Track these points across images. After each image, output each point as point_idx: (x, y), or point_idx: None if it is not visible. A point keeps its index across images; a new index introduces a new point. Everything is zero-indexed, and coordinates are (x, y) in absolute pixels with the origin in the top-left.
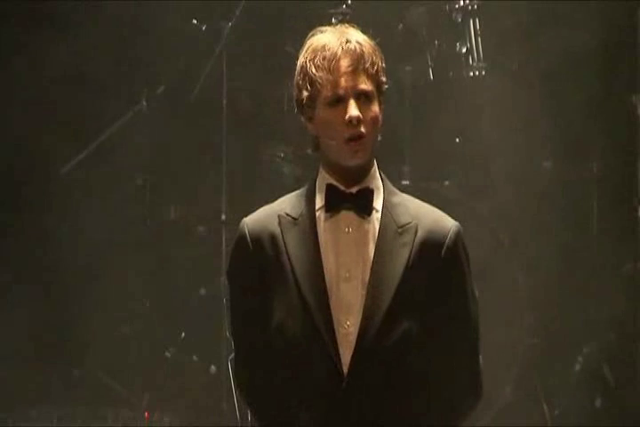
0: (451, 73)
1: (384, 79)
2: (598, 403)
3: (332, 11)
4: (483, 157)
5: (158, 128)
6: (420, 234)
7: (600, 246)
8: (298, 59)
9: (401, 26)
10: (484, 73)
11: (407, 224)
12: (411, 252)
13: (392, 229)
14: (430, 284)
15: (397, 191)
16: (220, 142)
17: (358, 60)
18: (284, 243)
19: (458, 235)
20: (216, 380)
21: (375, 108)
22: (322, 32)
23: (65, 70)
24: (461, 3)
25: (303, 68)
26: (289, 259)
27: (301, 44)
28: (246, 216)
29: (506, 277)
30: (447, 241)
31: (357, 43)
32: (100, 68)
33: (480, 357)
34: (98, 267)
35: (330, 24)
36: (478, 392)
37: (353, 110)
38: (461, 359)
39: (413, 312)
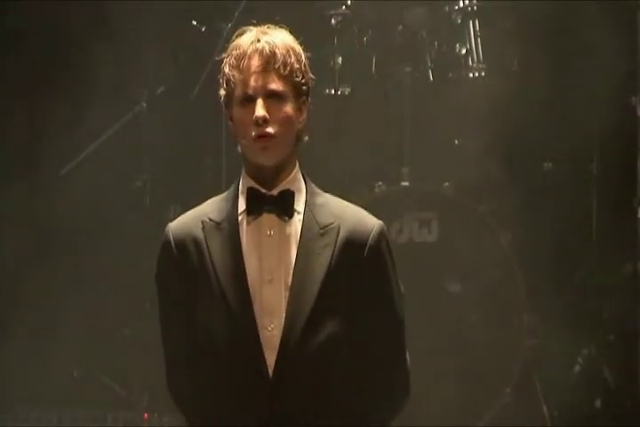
0: (450, 74)
1: (301, 80)
2: (598, 403)
3: (332, 12)
4: (482, 158)
5: (158, 128)
6: (342, 234)
7: (600, 246)
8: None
9: (401, 27)
10: (483, 74)
11: (329, 225)
12: (333, 252)
13: (314, 230)
14: (354, 284)
15: (321, 192)
16: (220, 142)
17: (268, 60)
18: (208, 248)
19: (381, 234)
20: None
21: (287, 108)
22: (245, 32)
23: (65, 70)
24: (461, 4)
25: (221, 67)
26: (212, 264)
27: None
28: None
29: (506, 277)
30: (369, 240)
31: (268, 43)
32: (100, 68)
33: (407, 354)
34: (98, 267)
35: (270, 25)
36: (407, 390)
37: (259, 110)
38: (388, 358)
39: (337, 313)
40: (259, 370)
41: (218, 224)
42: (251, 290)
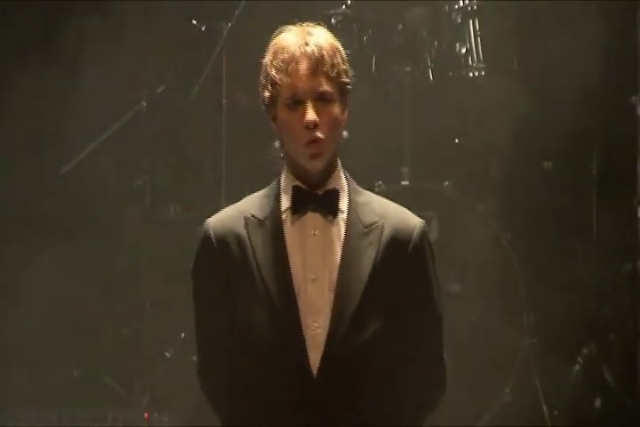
0: (450, 73)
1: (346, 80)
2: (598, 403)
3: (332, 11)
4: (482, 158)
5: (158, 128)
6: (386, 233)
7: (600, 246)
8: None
9: (401, 26)
10: (483, 73)
11: (373, 223)
12: (377, 251)
13: (358, 229)
14: (397, 282)
15: (363, 191)
16: (220, 142)
17: (317, 63)
18: (251, 245)
19: (423, 232)
20: None
21: (335, 110)
22: (286, 32)
23: (65, 70)
24: (461, 3)
25: (265, 68)
26: (256, 261)
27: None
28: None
29: (506, 276)
30: (413, 238)
31: (316, 45)
32: (99, 67)
33: (444, 352)
34: (98, 266)
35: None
36: (443, 387)
37: (310, 114)
38: (428, 356)
39: (381, 312)
40: (302, 369)
41: (261, 221)
42: (295, 289)
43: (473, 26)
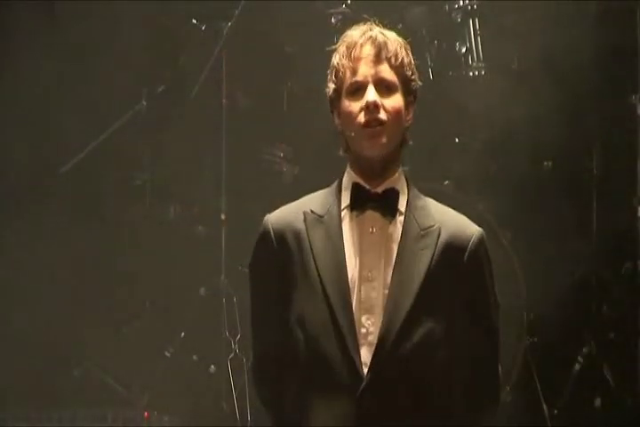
0: (450, 73)
1: (411, 75)
2: (598, 402)
3: (332, 10)
4: (482, 157)
5: (158, 128)
6: (442, 237)
7: (600, 246)
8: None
9: (400, 26)
10: (483, 73)
11: (430, 227)
12: (433, 255)
13: (415, 231)
14: (451, 288)
15: (421, 195)
16: (220, 142)
17: (380, 48)
18: (309, 240)
19: (481, 241)
20: (216, 380)
21: (397, 99)
22: (354, 28)
23: (65, 70)
24: (461, 2)
25: (332, 62)
26: (313, 256)
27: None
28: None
29: (506, 276)
30: (470, 246)
31: (381, 32)
32: (99, 67)
33: (499, 364)
34: (97, 266)
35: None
36: (495, 399)
37: (370, 95)
38: (481, 366)
39: (434, 315)
40: (353, 366)
41: (320, 217)
42: (350, 285)
43: (473, 25)
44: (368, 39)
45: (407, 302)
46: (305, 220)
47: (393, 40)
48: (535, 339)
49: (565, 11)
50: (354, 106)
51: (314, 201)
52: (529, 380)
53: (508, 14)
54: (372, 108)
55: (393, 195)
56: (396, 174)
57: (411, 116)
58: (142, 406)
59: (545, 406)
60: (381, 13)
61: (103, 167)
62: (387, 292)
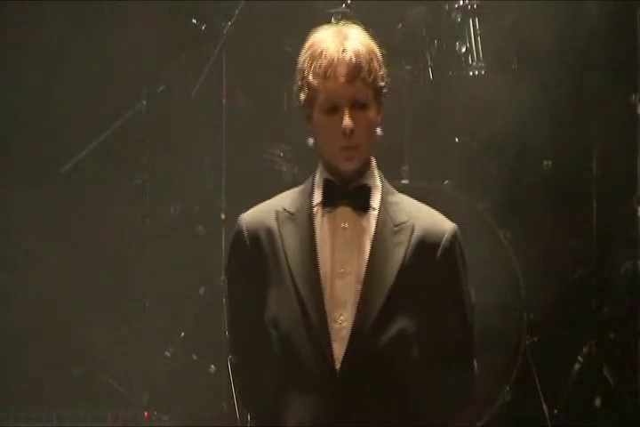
0: (450, 72)
1: (383, 84)
2: (598, 402)
3: (332, 10)
4: (482, 157)
5: (158, 127)
6: (416, 233)
7: (600, 246)
8: (299, 56)
9: (400, 25)
10: (483, 72)
11: (404, 223)
12: (406, 250)
13: (388, 226)
14: (425, 284)
15: (395, 191)
16: (220, 142)
17: (354, 69)
18: (281, 237)
19: (455, 236)
20: (216, 380)
21: (371, 114)
22: (322, 33)
23: (65, 69)
24: (461, 2)
25: (301, 71)
26: (285, 253)
27: (301, 44)
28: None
29: (506, 276)
30: (443, 242)
31: (354, 52)
32: (100, 67)
33: (474, 359)
34: (97, 266)
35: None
36: (471, 392)
37: (347, 121)
38: (454, 361)
39: (407, 311)
40: (326, 362)
41: (292, 214)
42: (322, 281)
43: (473, 25)
44: (342, 60)
45: (380, 298)
46: (277, 218)
47: (366, 54)
48: (535, 339)
49: (565, 11)
50: (329, 125)
51: (286, 199)
52: (529, 380)
53: (508, 14)
54: (347, 133)
55: (365, 191)
56: (369, 170)
57: (381, 114)
58: (142, 406)
59: (545, 406)
60: (381, 13)
61: (103, 167)
62: (360, 287)
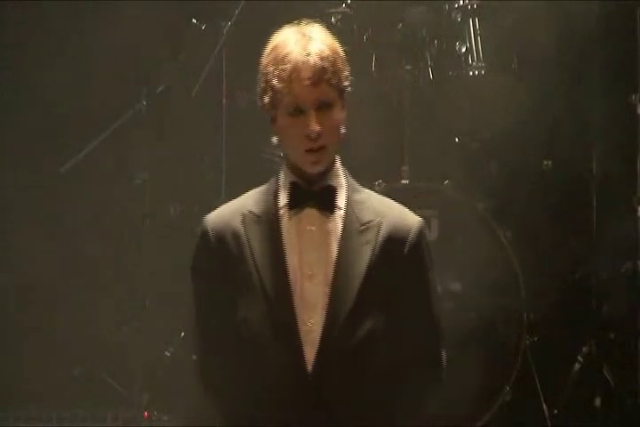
0: (450, 72)
1: (347, 84)
2: (598, 402)
3: (332, 10)
4: (482, 157)
5: (158, 127)
6: (383, 231)
7: (600, 246)
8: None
9: (400, 25)
10: (483, 72)
11: (370, 222)
12: (374, 249)
13: (355, 226)
14: (393, 281)
15: (362, 189)
16: (221, 142)
17: (320, 72)
18: (248, 240)
19: (421, 231)
20: None
21: (336, 115)
22: (284, 35)
23: (65, 69)
24: (461, 2)
25: (265, 75)
26: (252, 256)
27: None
28: None
29: (506, 275)
30: (410, 237)
31: (318, 55)
32: (99, 67)
33: (443, 352)
34: (97, 266)
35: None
36: (439, 385)
37: (313, 125)
38: (424, 357)
39: (377, 309)
40: (298, 365)
41: (258, 217)
42: (291, 284)
43: (473, 25)
44: (306, 63)
45: (350, 299)
46: (243, 221)
47: (331, 56)
48: (535, 339)
49: (565, 10)
50: (294, 128)
51: (251, 200)
52: (529, 380)
53: (508, 14)
54: (313, 136)
55: (330, 191)
56: (334, 170)
57: (344, 112)
58: (142, 405)
59: (545, 406)
60: (381, 13)
61: (103, 167)
62: (328, 289)
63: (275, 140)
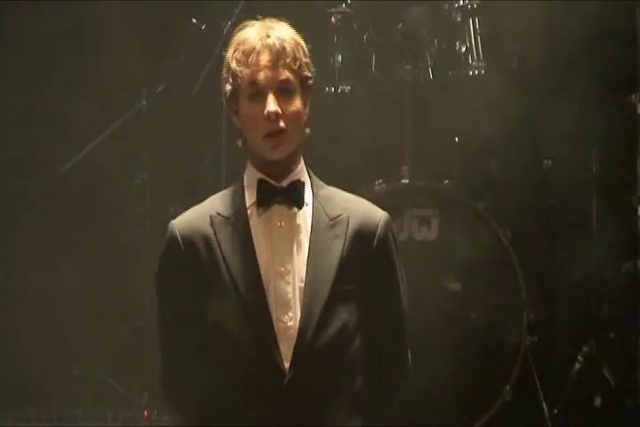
0: (450, 72)
1: (308, 74)
2: (598, 402)
3: (332, 10)
4: (482, 157)
5: (158, 127)
6: (351, 226)
7: (600, 246)
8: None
9: (401, 25)
10: (483, 72)
11: (338, 216)
12: (344, 244)
13: (324, 221)
14: (363, 274)
15: (324, 185)
16: (221, 142)
17: (278, 54)
18: (218, 243)
19: (388, 225)
20: None
21: (297, 102)
22: (248, 26)
23: (65, 69)
24: (461, 2)
25: (226, 62)
26: (224, 258)
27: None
28: None
29: (506, 274)
30: (378, 231)
31: (278, 38)
32: (99, 66)
33: (408, 343)
34: (97, 266)
35: (258, 19)
36: (406, 375)
37: (271, 105)
38: (392, 346)
39: (349, 303)
40: (275, 363)
41: (227, 218)
42: (264, 282)
43: (473, 24)
44: (265, 46)
45: (323, 294)
46: (212, 223)
47: (291, 42)
48: (535, 339)
49: (564, 10)
50: (254, 111)
51: (218, 202)
52: (529, 380)
53: (508, 14)
54: (272, 118)
55: (298, 187)
56: (299, 166)
57: (308, 108)
58: (142, 405)
59: (545, 406)
60: (381, 13)
61: (103, 167)
62: (302, 285)
63: (240, 143)
